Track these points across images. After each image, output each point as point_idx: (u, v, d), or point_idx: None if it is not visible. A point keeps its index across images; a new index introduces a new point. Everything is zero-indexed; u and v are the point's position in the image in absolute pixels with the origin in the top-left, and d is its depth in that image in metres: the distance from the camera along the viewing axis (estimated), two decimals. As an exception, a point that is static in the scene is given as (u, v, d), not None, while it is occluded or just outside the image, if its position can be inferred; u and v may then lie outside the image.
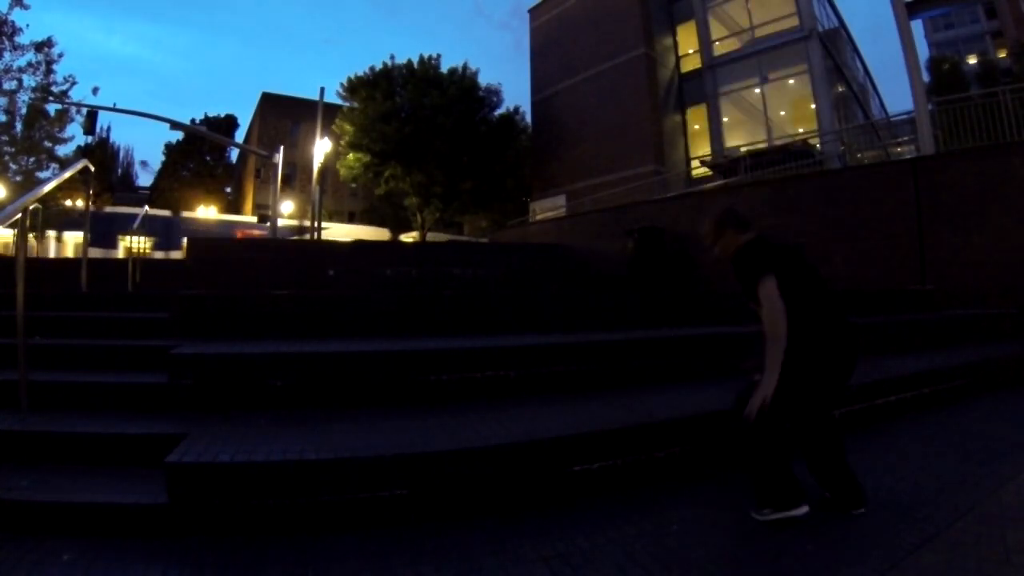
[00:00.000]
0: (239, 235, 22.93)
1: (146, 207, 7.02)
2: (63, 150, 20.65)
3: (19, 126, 18.62)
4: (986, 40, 31.33)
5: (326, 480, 1.88)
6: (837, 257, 7.45)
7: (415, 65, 22.84)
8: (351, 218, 35.34)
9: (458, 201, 24.15)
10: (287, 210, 25.81)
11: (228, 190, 37.90)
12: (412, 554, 1.71)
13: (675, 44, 20.74)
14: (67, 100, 18.59)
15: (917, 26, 29.28)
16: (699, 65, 19.64)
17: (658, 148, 18.52)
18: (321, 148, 17.76)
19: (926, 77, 22.80)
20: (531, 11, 24.07)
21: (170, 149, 35.65)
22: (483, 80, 23.61)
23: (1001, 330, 5.29)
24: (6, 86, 17.57)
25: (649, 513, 2.02)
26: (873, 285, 6.80)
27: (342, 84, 23.22)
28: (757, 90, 18.17)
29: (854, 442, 2.77)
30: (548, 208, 19.74)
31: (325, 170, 20.61)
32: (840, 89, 18.69)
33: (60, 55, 18.96)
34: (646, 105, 18.86)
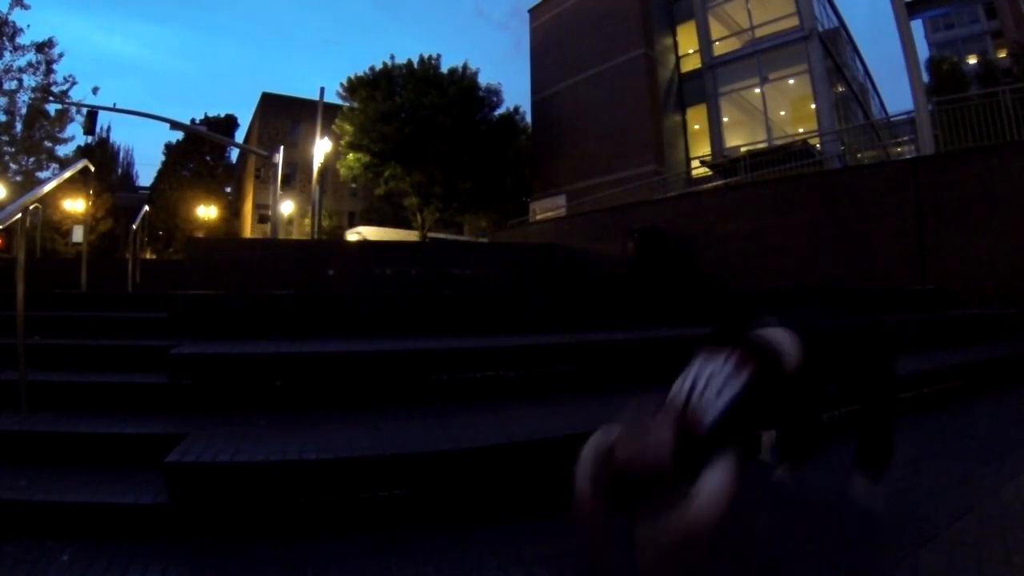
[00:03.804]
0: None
1: (145, 207, 7.01)
2: (63, 150, 20.76)
3: (19, 126, 18.68)
4: (986, 40, 31.31)
5: (326, 480, 1.88)
6: (837, 257, 7.45)
7: (415, 65, 22.83)
8: (351, 218, 35.32)
9: (458, 201, 24.14)
10: (287, 210, 25.80)
11: (228, 190, 37.88)
12: (412, 554, 1.71)
13: (675, 44, 20.75)
14: (67, 100, 18.66)
15: (917, 26, 29.29)
16: (699, 65, 19.65)
17: (658, 148, 18.53)
18: (321, 148, 17.78)
19: (926, 77, 22.80)
20: (531, 11, 24.08)
21: (170, 149, 35.60)
22: (483, 80, 23.62)
23: (1001, 330, 5.28)
24: (6, 86, 17.61)
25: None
26: (873, 285, 6.80)
27: (342, 84, 23.24)
28: (757, 90, 18.19)
29: (854, 442, 2.78)
30: (548, 208, 19.73)
31: (325, 170, 20.61)
32: (840, 89, 18.70)
33: (60, 55, 19.06)
34: (646, 105, 18.87)
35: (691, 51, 20.20)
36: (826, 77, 16.82)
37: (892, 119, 13.91)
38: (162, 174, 35.37)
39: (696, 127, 20.01)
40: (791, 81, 17.71)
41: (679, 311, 4.48)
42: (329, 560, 1.67)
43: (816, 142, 14.19)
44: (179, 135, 33.83)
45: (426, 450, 2.00)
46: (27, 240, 2.65)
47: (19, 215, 2.59)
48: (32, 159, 19.57)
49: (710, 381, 1.46)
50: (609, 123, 19.72)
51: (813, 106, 16.79)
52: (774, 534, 1.86)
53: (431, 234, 23.76)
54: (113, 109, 16.52)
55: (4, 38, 17.25)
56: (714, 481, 1.26)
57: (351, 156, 22.71)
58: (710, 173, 16.34)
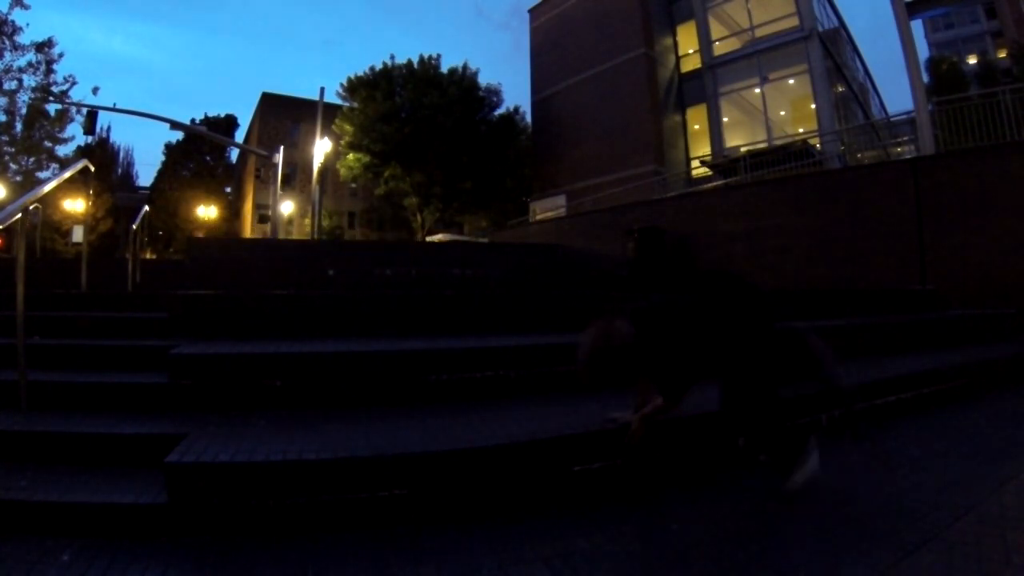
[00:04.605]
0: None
1: (145, 207, 7.01)
2: (63, 150, 20.80)
3: (19, 126, 18.69)
4: (986, 40, 31.31)
5: (326, 480, 1.88)
6: (837, 257, 7.45)
7: (415, 65, 22.87)
8: (351, 218, 35.32)
9: (458, 201, 24.19)
10: (287, 210, 25.81)
11: (228, 190, 37.89)
12: (412, 554, 1.71)
13: (675, 44, 20.76)
14: (67, 100, 18.67)
15: (917, 26, 29.32)
16: (699, 65, 19.66)
17: (658, 148, 18.53)
18: (321, 148, 17.78)
19: (926, 77, 22.78)
20: (531, 11, 24.10)
21: (170, 149, 35.62)
22: (483, 80, 23.69)
23: (1001, 330, 5.29)
24: (6, 86, 17.63)
25: (650, 513, 2.02)
26: (873, 285, 6.80)
27: (342, 84, 23.31)
28: (757, 90, 18.19)
29: (854, 442, 2.78)
30: (548, 208, 19.74)
31: (325, 170, 20.62)
32: (840, 89, 18.70)
33: (60, 55, 19.10)
34: (646, 105, 18.88)
35: (691, 51, 20.20)
36: (826, 77, 16.82)
37: (892, 119, 13.91)
38: (162, 174, 35.38)
39: (696, 127, 20.01)
40: (791, 81, 17.71)
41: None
42: (329, 560, 1.67)
43: (816, 142, 14.19)
44: (179, 135, 33.87)
45: (426, 450, 2.00)
46: (27, 240, 2.65)
47: (19, 215, 2.59)
48: (32, 159, 19.58)
49: None
50: (609, 123, 19.72)
51: (813, 106, 16.80)
52: (773, 535, 1.86)
53: (428, 238, 23.81)
54: (113, 109, 16.52)
55: (4, 38, 17.26)
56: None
57: (351, 156, 22.73)
58: (710, 173, 16.34)
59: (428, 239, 21.45)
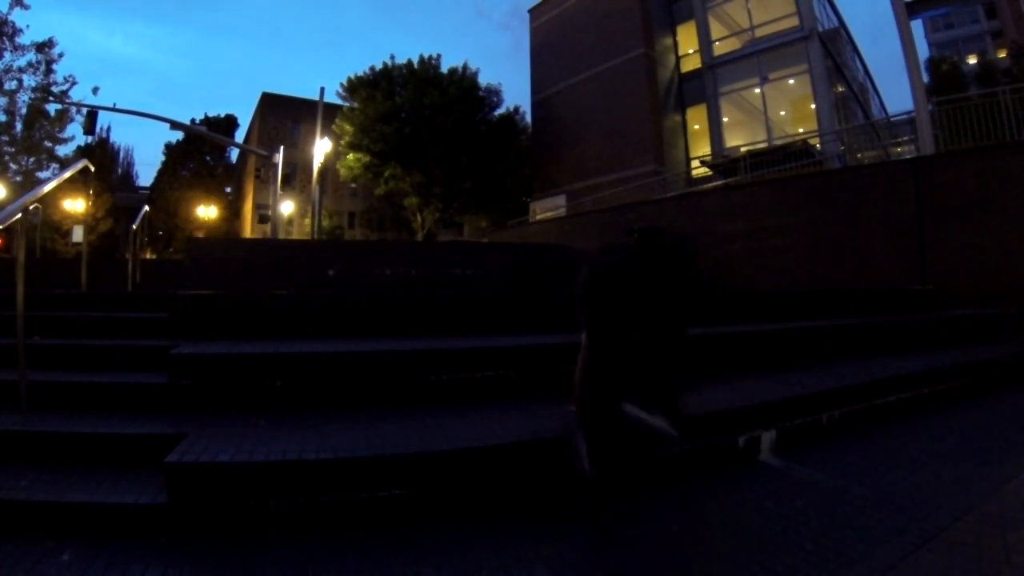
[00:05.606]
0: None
1: (145, 207, 7.02)
2: (63, 150, 20.79)
3: (19, 126, 18.69)
4: (986, 40, 31.30)
5: (325, 480, 1.88)
6: (837, 257, 7.45)
7: (415, 65, 22.86)
8: (351, 218, 35.31)
9: (458, 201, 24.16)
10: (287, 210, 25.80)
11: (228, 190, 37.85)
12: (412, 554, 1.71)
13: (675, 44, 20.75)
14: (67, 100, 18.68)
15: (917, 26, 29.32)
16: (699, 65, 19.66)
17: (658, 148, 18.53)
18: (321, 148, 17.77)
19: (926, 77, 22.76)
20: (531, 11, 24.09)
21: (170, 149, 35.56)
22: (483, 80, 23.66)
23: (1001, 330, 5.29)
24: (7, 86, 17.63)
25: (650, 513, 2.02)
26: (873, 285, 6.80)
27: (342, 84, 23.29)
28: (757, 90, 18.18)
29: (855, 442, 2.78)
30: (548, 208, 19.74)
31: (325, 170, 20.61)
32: (840, 89, 18.69)
33: (60, 55, 19.11)
34: (646, 105, 18.87)
35: (691, 51, 20.20)
36: (826, 77, 16.81)
37: (892, 119, 13.89)
38: (162, 174, 35.33)
39: (696, 127, 20.01)
40: (791, 81, 17.70)
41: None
42: (329, 560, 1.67)
43: (816, 142, 14.18)
44: (179, 135, 33.81)
45: (426, 450, 2.00)
46: (27, 240, 2.65)
47: (19, 215, 2.59)
48: (32, 159, 19.59)
49: None
50: (609, 123, 19.72)
51: (813, 106, 16.79)
52: (773, 534, 1.86)
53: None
54: (113, 109, 16.50)
55: (4, 38, 17.27)
56: None
57: (351, 156, 22.72)
58: (710, 173, 16.34)
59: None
